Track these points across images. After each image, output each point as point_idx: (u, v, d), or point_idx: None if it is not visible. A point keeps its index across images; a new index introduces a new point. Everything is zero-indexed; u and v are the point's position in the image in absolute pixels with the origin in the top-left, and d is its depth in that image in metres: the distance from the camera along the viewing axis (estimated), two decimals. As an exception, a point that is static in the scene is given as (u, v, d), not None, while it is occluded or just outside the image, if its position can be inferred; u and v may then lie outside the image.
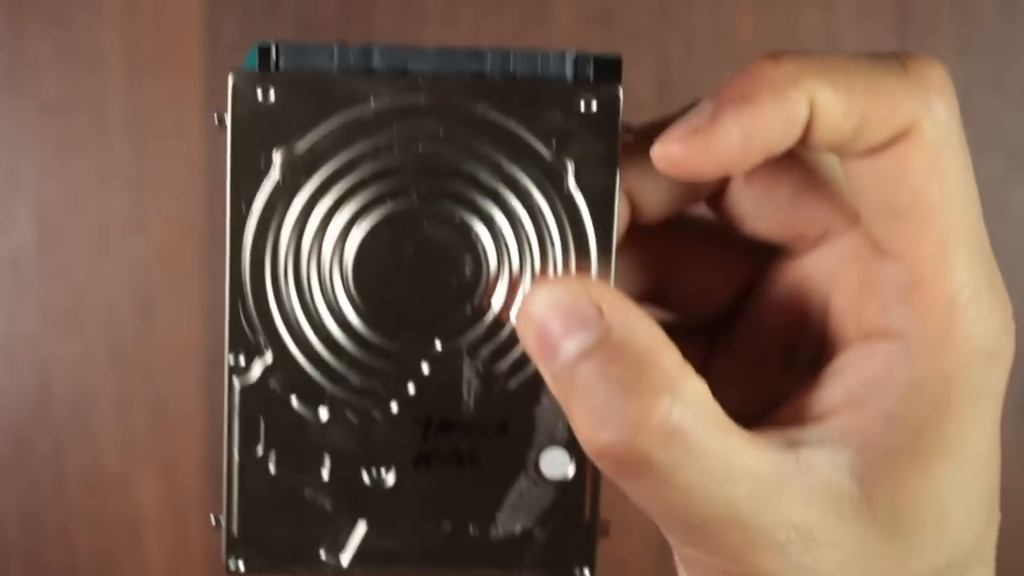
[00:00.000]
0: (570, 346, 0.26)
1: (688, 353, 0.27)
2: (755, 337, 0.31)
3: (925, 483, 0.26)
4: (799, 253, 0.30)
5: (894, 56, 0.26)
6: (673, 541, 0.27)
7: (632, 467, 0.25)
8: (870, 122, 0.25)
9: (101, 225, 0.56)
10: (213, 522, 0.29)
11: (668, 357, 0.25)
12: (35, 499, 0.57)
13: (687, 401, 0.25)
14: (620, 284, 0.29)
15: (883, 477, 0.26)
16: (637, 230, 0.29)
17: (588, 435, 0.25)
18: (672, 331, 0.29)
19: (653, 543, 0.55)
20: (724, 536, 0.26)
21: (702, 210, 0.30)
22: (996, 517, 0.29)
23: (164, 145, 0.55)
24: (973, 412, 0.26)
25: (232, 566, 0.29)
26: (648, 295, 0.32)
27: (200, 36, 0.55)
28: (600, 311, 0.26)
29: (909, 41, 0.53)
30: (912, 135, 0.25)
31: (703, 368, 0.32)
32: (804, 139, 0.26)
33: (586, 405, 0.25)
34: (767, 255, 0.31)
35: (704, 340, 0.32)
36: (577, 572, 0.29)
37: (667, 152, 0.26)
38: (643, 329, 0.26)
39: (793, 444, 0.27)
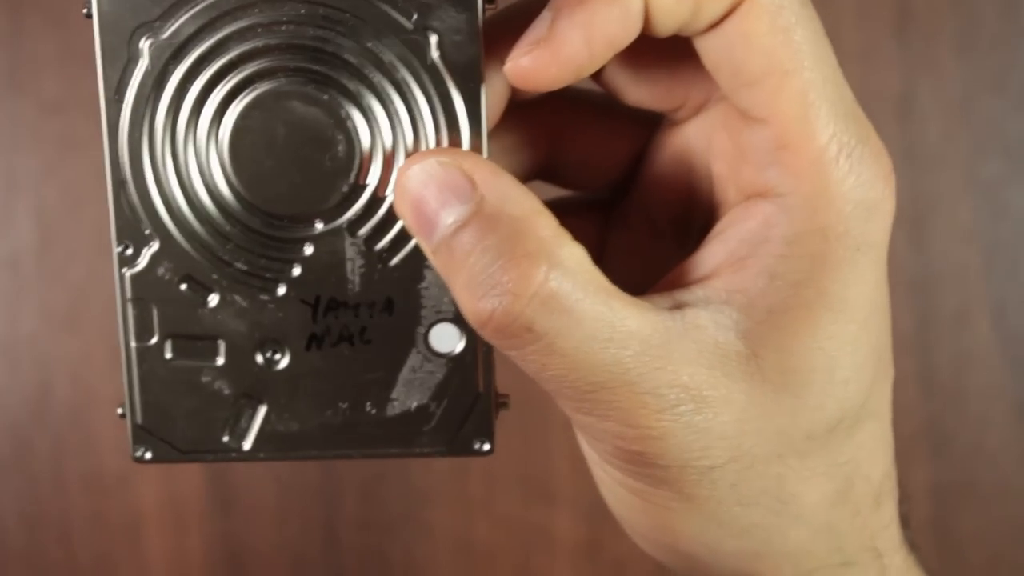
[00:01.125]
0: (447, 219, 0.26)
1: (584, 228, 0.26)
2: (647, 209, 0.31)
3: (809, 338, 0.26)
4: (681, 121, 0.30)
5: None
6: (568, 410, 0.27)
7: (515, 335, 0.25)
8: None
9: (101, 225, 0.56)
10: (119, 412, 0.30)
11: (543, 224, 0.25)
12: (35, 499, 0.57)
13: (564, 266, 0.25)
14: (511, 159, 0.29)
15: (768, 334, 0.26)
16: (524, 104, 0.29)
17: (470, 306, 0.25)
18: (568, 207, 0.28)
19: (653, 543, 0.55)
20: (615, 401, 0.26)
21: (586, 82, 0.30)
22: (888, 373, 0.29)
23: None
24: (853, 265, 0.26)
25: (139, 456, 0.30)
26: (540, 170, 0.32)
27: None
28: (473, 182, 0.26)
29: (909, 41, 0.53)
30: (747, 1, 0.26)
31: (599, 242, 0.32)
32: (647, 28, 0.26)
33: (466, 277, 0.25)
34: (653, 124, 0.31)
35: (600, 214, 0.32)
36: (477, 446, 0.29)
37: (517, 67, 0.26)
38: (517, 198, 0.26)
39: (679, 306, 0.27)
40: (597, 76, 0.29)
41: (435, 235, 0.26)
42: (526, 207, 0.26)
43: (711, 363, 0.26)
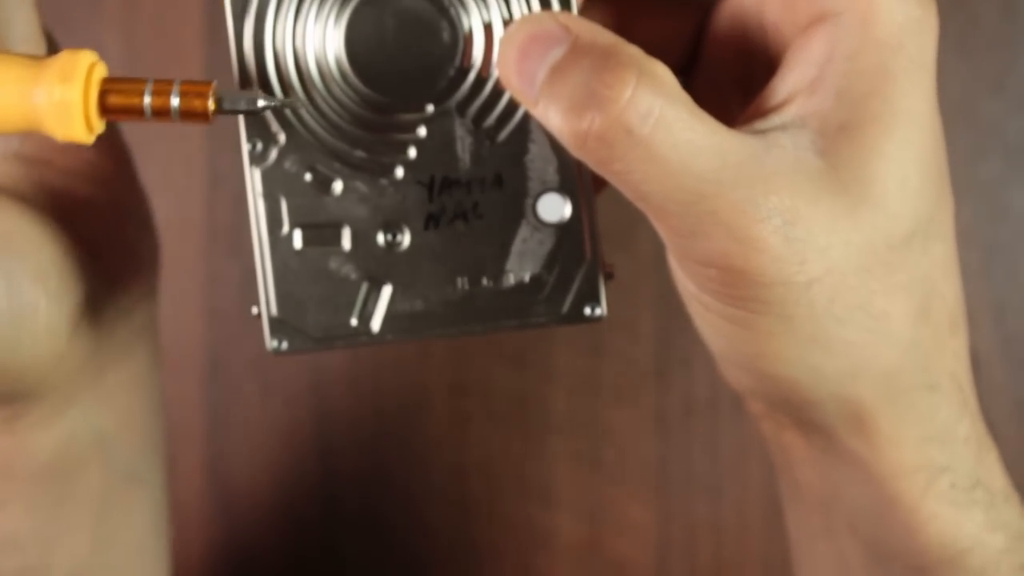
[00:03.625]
0: (545, 66, 0.27)
1: None
2: (713, 78, 0.34)
3: (880, 148, 0.28)
4: None
5: None
6: (671, 235, 0.29)
7: (615, 140, 0.26)
8: None
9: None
10: (254, 312, 0.31)
11: (633, 48, 0.27)
12: (35, 499, 0.57)
13: (656, 75, 0.27)
14: None
15: (843, 149, 0.28)
16: None
17: (571, 127, 0.27)
18: None
19: (653, 543, 0.55)
20: (717, 212, 0.27)
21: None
22: (949, 201, 0.31)
23: (164, 146, 0.55)
24: (911, 78, 0.28)
25: (276, 347, 0.31)
26: None
27: (200, 36, 0.55)
28: (567, 28, 0.28)
29: (909, 42, 0.53)
30: None
31: None
32: None
33: (565, 103, 0.27)
34: (709, 6, 0.33)
35: None
36: (588, 311, 0.31)
37: None
38: (608, 33, 0.28)
39: (758, 132, 0.28)
40: None
41: (536, 83, 0.27)
42: (617, 39, 0.28)
43: (797, 178, 0.27)
